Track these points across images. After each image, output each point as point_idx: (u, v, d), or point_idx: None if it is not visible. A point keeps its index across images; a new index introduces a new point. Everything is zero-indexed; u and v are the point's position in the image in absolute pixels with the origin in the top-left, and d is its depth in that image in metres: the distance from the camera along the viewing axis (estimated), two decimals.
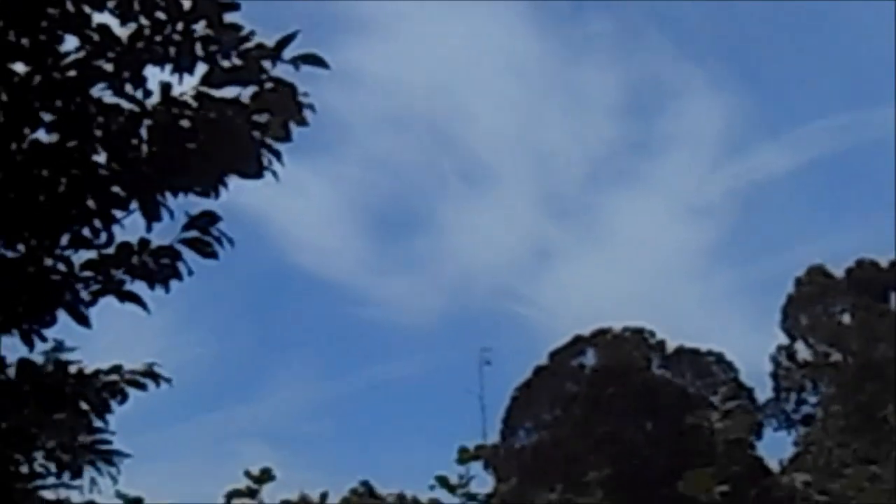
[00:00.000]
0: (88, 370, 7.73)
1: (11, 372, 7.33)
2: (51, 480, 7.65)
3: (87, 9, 6.97)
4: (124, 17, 6.98)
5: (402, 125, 77.37)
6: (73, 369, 7.68)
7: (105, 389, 7.78)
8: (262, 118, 7.10)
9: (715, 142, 79.83)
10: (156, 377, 7.88)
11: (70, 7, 6.94)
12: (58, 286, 7.13)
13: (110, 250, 7.20)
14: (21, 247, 7.04)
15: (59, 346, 7.71)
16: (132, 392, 7.86)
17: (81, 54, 6.96)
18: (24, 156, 6.94)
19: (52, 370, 7.54)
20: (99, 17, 7.00)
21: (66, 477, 7.75)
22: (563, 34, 79.65)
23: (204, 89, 7.04)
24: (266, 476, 10.33)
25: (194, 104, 7.04)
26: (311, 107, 7.14)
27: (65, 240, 7.11)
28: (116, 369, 7.84)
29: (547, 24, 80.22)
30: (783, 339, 57.96)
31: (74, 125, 6.98)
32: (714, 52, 78.77)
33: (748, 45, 79.40)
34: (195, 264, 7.38)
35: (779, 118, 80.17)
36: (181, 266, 7.31)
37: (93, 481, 7.82)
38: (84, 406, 7.72)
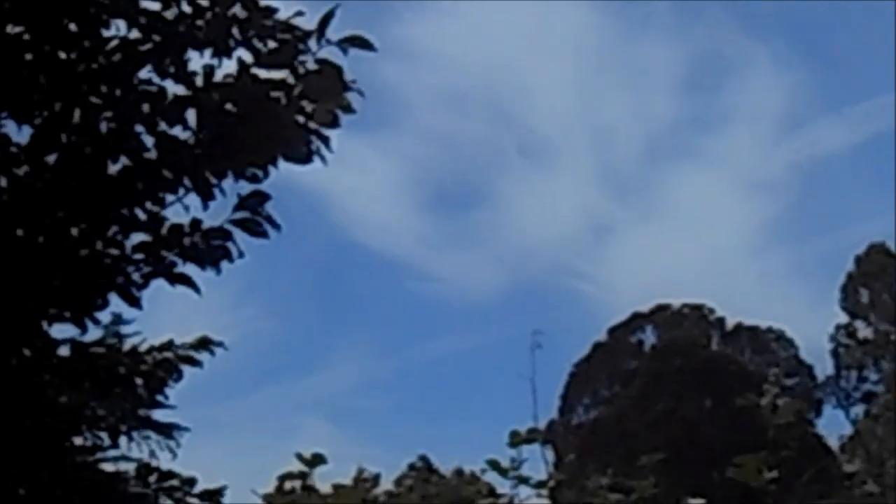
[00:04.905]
0: (143, 348, 7.79)
1: (65, 352, 7.37)
2: (111, 454, 7.66)
3: None
4: (166, 1, 7.05)
5: (462, 101, 76.88)
6: (126, 348, 7.73)
7: (159, 367, 7.84)
8: (307, 105, 7.10)
9: (776, 117, 78.60)
10: (209, 346, 7.92)
11: None
12: (109, 269, 7.18)
13: (162, 232, 7.25)
14: (74, 231, 7.09)
15: (118, 320, 7.77)
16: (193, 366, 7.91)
17: (126, 37, 7.01)
18: (73, 140, 7.01)
19: (105, 350, 7.61)
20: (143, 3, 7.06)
21: (123, 450, 7.73)
22: (623, 10, 78.90)
23: (245, 70, 7.06)
24: (317, 460, 10.41)
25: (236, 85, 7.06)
26: (360, 91, 7.12)
27: (117, 224, 7.16)
28: (169, 345, 7.89)
29: (607, 1, 79.67)
30: (843, 317, 57.52)
31: (121, 109, 7.04)
32: (776, 28, 77.71)
33: (810, 19, 78.37)
34: (256, 242, 7.41)
35: (841, 93, 79.14)
36: (232, 247, 7.35)
37: (152, 454, 7.82)
38: (139, 384, 7.79)
